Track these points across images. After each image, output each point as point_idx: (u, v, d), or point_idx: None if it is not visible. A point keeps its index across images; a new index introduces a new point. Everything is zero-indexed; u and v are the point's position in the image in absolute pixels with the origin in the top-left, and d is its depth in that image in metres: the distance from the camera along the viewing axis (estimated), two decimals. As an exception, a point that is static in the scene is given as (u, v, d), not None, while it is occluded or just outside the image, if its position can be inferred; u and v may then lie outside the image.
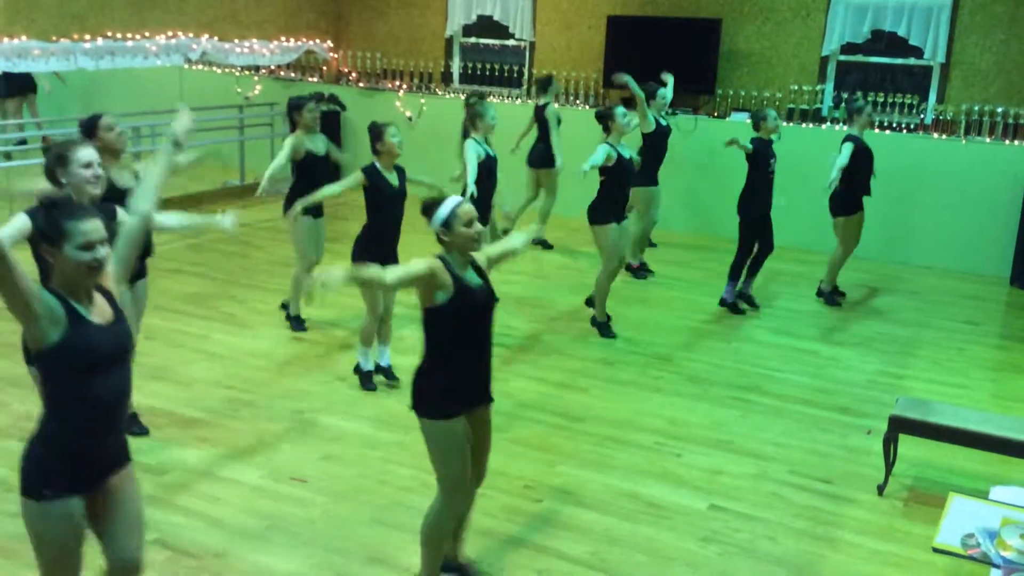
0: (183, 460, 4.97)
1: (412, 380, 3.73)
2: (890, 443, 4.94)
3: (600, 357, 6.72)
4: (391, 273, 3.54)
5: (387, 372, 6.08)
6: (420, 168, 6.95)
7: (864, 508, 4.81)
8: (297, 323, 7.01)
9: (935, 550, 3.21)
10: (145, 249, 4.84)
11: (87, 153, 4.04)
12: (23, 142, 11.11)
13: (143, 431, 5.14)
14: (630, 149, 7.10)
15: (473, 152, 6.73)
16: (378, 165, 5.82)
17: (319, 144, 6.87)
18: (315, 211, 6.77)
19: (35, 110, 12.69)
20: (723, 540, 4.44)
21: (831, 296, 8.26)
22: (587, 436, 5.49)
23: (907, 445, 5.18)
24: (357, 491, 4.74)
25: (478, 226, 3.68)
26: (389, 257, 5.75)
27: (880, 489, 4.94)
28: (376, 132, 5.81)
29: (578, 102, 11.24)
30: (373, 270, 3.55)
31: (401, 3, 12.34)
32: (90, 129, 4.82)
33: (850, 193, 7.89)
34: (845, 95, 10.23)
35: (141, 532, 3.16)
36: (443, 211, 3.68)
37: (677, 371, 6.53)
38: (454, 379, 3.66)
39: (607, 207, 6.88)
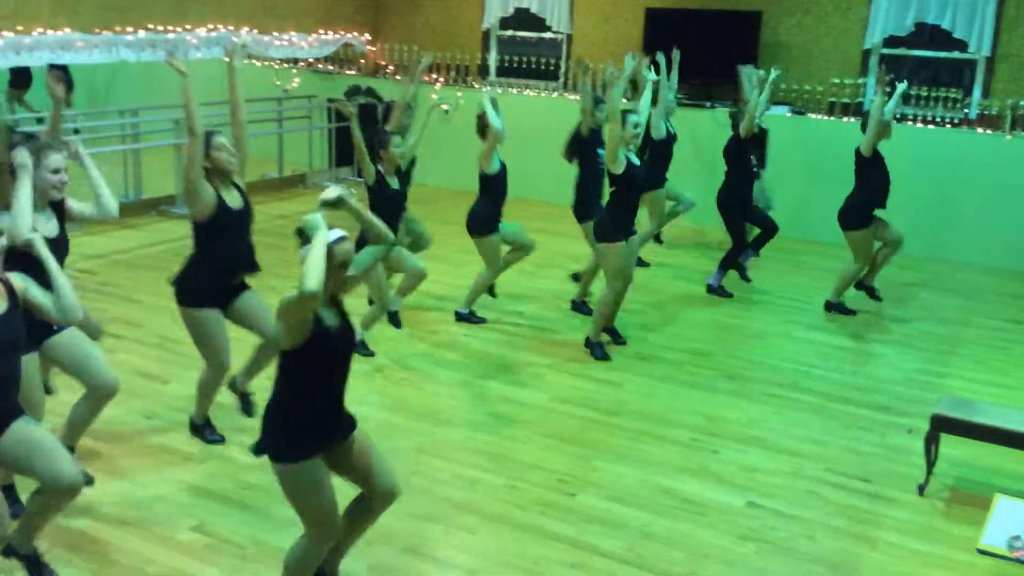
0: (220, 450, 5.01)
1: (262, 420, 3.47)
2: (931, 442, 4.86)
3: (635, 352, 6.69)
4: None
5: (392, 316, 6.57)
6: (455, 162, 6.99)
7: (904, 508, 4.74)
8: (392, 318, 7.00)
9: (980, 551, 3.16)
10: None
11: (57, 160, 4.13)
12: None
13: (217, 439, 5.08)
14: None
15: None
16: (380, 170, 6.17)
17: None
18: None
19: (28, 105, 12.77)
20: (760, 538, 4.40)
21: (841, 307, 7.75)
22: (622, 431, 5.46)
23: (949, 444, 5.10)
24: (392, 482, 4.75)
25: (351, 270, 3.46)
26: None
27: (921, 489, 4.87)
28: (381, 140, 6.23)
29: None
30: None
31: (439, -4, 12.35)
32: (205, 148, 4.67)
33: (861, 206, 7.45)
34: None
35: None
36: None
37: (714, 367, 6.48)
38: (309, 422, 3.38)
39: (617, 221, 6.31)
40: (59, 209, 4.27)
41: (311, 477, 3.37)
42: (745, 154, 7.91)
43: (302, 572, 3.55)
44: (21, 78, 12.76)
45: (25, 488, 4.03)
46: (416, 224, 7.22)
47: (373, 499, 3.64)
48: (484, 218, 6.81)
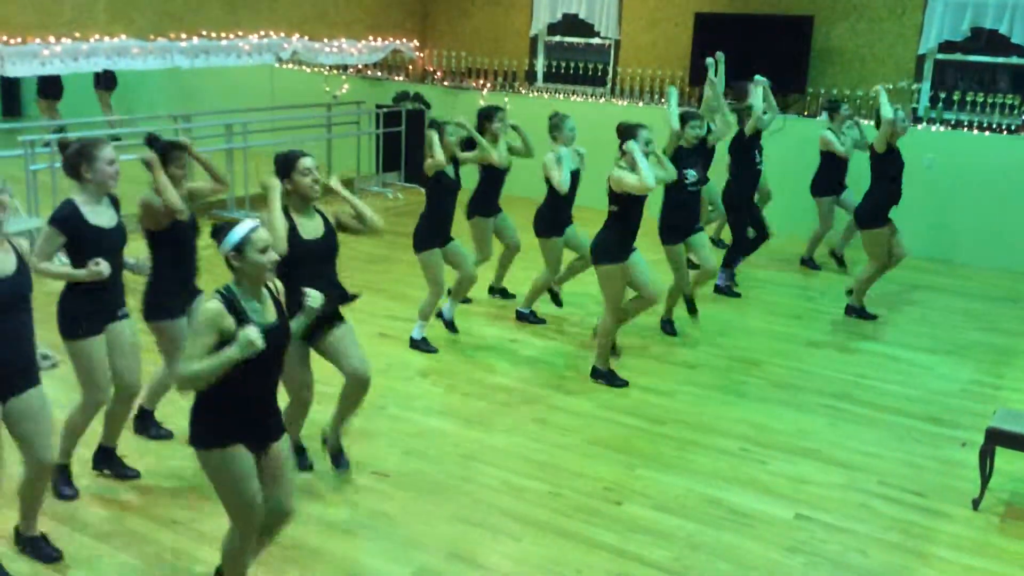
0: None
1: (191, 408, 3.45)
2: (987, 456, 4.75)
3: (683, 360, 6.63)
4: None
5: (449, 324, 6.93)
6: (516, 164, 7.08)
7: (958, 523, 4.63)
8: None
9: (1038, 570, 3.07)
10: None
11: (110, 152, 4.30)
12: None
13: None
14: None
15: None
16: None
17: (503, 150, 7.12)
18: (491, 208, 7.21)
19: (56, 115, 13.00)
20: (809, 551, 4.33)
21: (862, 312, 7.67)
22: (669, 439, 5.42)
23: (1004, 458, 4.98)
24: (438, 487, 4.76)
25: (273, 255, 3.37)
26: (447, 239, 6.55)
27: (975, 503, 4.76)
28: (437, 129, 6.41)
29: (663, 101, 11.11)
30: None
31: (486, 1, 12.38)
32: (286, 168, 4.37)
33: (876, 204, 7.35)
34: (943, 94, 9.88)
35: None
36: (235, 235, 3.33)
37: (763, 376, 6.40)
38: (232, 411, 3.35)
39: (618, 242, 5.86)
40: (115, 200, 4.45)
41: (229, 466, 3.37)
42: (749, 152, 7.96)
43: (234, 563, 3.60)
44: (53, 87, 13.01)
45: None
46: (508, 228, 7.32)
47: (269, 514, 3.56)
48: (549, 221, 6.82)
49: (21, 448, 3.80)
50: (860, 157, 8.27)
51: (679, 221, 6.78)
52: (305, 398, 4.65)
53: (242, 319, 3.27)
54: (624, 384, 6.10)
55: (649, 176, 5.61)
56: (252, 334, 3.16)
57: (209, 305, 3.28)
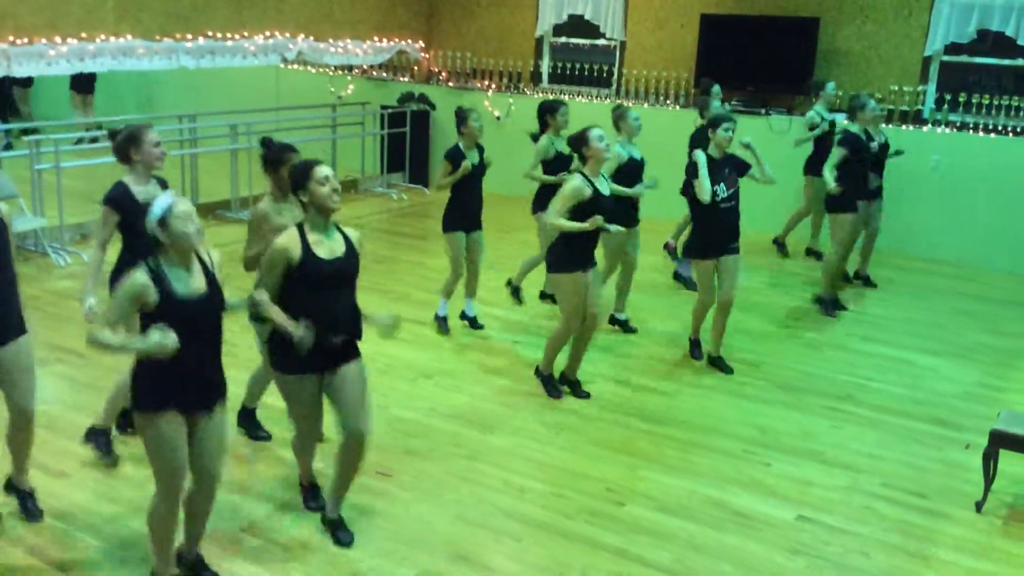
0: (273, 451, 5.07)
1: (131, 370, 3.62)
2: (990, 458, 4.75)
3: (687, 361, 6.63)
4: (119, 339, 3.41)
5: (472, 321, 7.08)
6: (506, 168, 7.01)
7: (961, 525, 4.63)
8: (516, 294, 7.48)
9: (1040, 573, 3.07)
10: None
11: (156, 135, 4.68)
12: (93, 140, 11.50)
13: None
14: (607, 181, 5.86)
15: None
16: (461, 145, 6.64)
17: (563, 145, 7.05)
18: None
19: (91, 111, 13.13)
20: (812, 553, 4.33)
21: (829, 305, 7.73)
22: (672, 441, 5.42)
23: (1008, 461, 4.96)
24: (440, 487, 4.77)
25: (198, 222, 3.47)
26: (474, 225, 6.76)
27: (978, 506, 4.75)
28: (461, 116, 6.69)
29: (668, 103, 11.12)
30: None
31: (492, 2, 12.38)
32: (301, 179, 3.95)
33: (843, 190, 7.41)
34: (948, 96, 9.87)
35: None
36: (158, 208, 3.43)
37: (766, 378, 6.40)
38: (167, 377, 3.46)
39: (573, 252, 5.57)
40: (163, 182, 4.79)
41: (159, 432, 3.51)
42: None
43: (157, 528, 3.68)
44: (85, 83, 13.08)
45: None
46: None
47: (198, 477, 3.70)
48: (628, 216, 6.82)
49: (5, 396, 4.15)
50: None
51: (709, 238, 6.26)
52: (309, 444, 4.39)
53: (164, 289, 3.40)
54: (558, 396, 5.85)
55: (706, 192, 5.96)
56: (162, 338, 3.32)
57: (134, 276, 3.42)
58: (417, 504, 4.60)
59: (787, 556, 4.29)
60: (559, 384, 5.97)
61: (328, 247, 3.92)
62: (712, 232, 6.23)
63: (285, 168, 4.52)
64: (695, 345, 6.68)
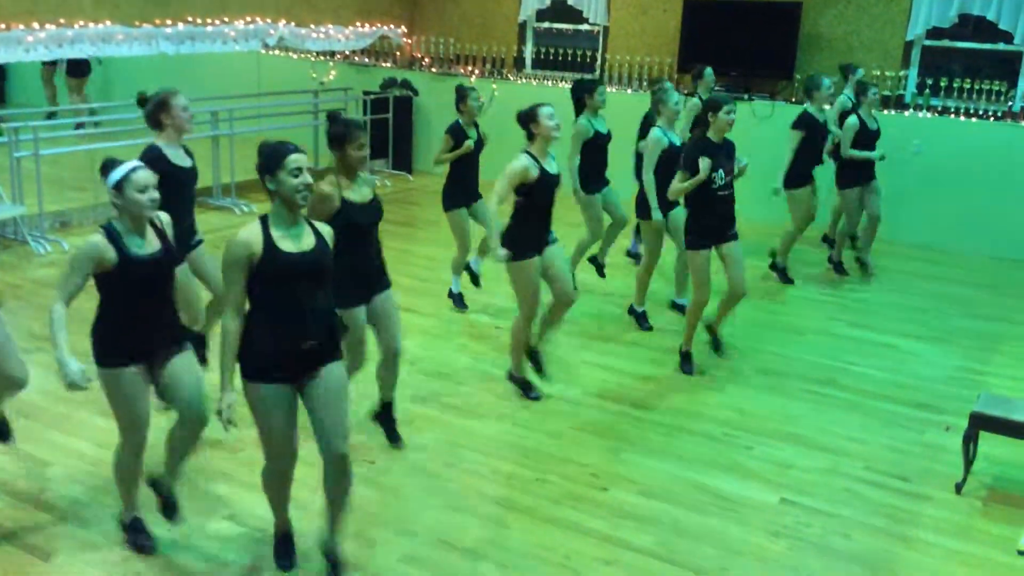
0: (255, 438, 5.05)
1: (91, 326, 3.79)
2: (970, 440, 4.79)
3: (669, 346, 6.64)
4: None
5: (475, 277, 7.35)
6: (487, 153, 6.99)
7: (942, 506, 4.67)
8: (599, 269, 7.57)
9: (1021, 553, 3.09)
10: None
11: (184, 99, 5.01)
12: (81, 125, 11.42)
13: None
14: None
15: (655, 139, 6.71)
16: (461, 122, 6.88)
17: (602, 124, 7.18)
18: (599, 183, 7.23)
19: (83, 96, 13.06)
20: (794, 535, 4.36)
21: (783, 273, 8.24)
22: (655, 425, 5.44)
23: (988, 443, 5.02)
24: (424, 473, 4.77)
25: (154, 193, 3.68)
26: (474, 198, 6.91)
27: (959, 487, 4.80)
28: (461, 94, 6.93)
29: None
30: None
31: (475, -12, 12.34)
32: (268, 165, 3.58)
33: (795, 166, 7.88)
34: (930, 80, 9.90)
35: None
36: (117, 173, 3.66)
37: (748, 362, 6.42)
38: (122, 333, 3.71)
39: (526, 237, 5.37)
40: (188, 150, 5.14)
41: (122, 386, 3.72)
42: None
43: (122, 475, 3.95)
44: (78, 66, 12.99)
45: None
46: (613, 203, 7.36)
47: (179, 419, 3.90)
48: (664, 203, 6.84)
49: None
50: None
51: (705, 225, 5.92)
52: (280, 474, 3.90)
53: (121, 251, 3.63)
54: (537, 398, 5.66)
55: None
56: (80, 378, 3.56)
57: (91, 238, 3.63)
58: (401, 490, 4.60)
59: (769, 538, 4.32)
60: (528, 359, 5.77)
61: (295, 242, 3.54)
62: (709, 219, 5.89)
63: (352, 146, 4.43)
64: (686, 358, 6.23)
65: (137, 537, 4.02)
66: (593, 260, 7.61)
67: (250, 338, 3.54)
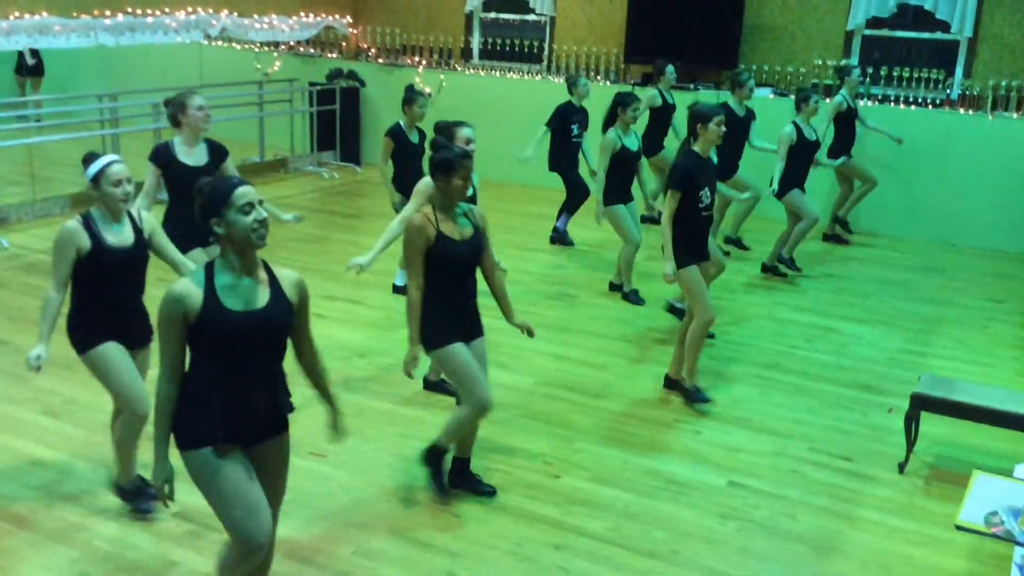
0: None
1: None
2: (912, 421, 4.90)
3: (620, 334, 6.70)
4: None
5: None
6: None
7: (885, 486, 4.77)
8: (635, 297, 7.40)
9: (958, 527, 3.18)
10: None
11: (200, 100, 5.25)
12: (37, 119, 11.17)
13: None
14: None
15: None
16: (402, 124, 6.94)
17: (633, 141, 7.24)
18: (624, 197, 7.29)
19: (38, 91, 12.84)
20: (742, 517, 4.43)
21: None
22: (606, 413, 5.48)
23: (929, 423, 5.14)
24: (376, 466, 4.76)
25: (127, 187, 3.87)
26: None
27: (901, 467, 4.91)
28: (409, 96, 6.97)
29: (599, 78, 11.16)
30: None
31: (421, -22, 12.27)
32: (211, 207, 3.04)
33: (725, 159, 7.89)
34: (871, 69, 10.07)
35: None
36: (94, 167, 3.87)
37: (697, 348, 6.49)
38: (95, 319, 3.94)
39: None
40: (212, 145, 5.33)
41: (105, 360, 3.94)
42: (567, 122, 8.49)
43: (125, 447, 4.13)
44: (29, 67, 12.76)
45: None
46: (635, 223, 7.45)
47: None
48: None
49: None
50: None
51: (693, 244, 5.46)
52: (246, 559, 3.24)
53: (96, 238, 3.85)
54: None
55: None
56: (28, 355, 3.82)
57: (66, 224, 3.87)
58: (352, 483, 4.59)
59: (718, 521, 4.38)
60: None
61: (244, 297, 3.00)
62: (697, 238, 5.46)
63: (458, 176, 4.08)
64: (693, 394, 5.60)
65: (140, 502, 4.19)
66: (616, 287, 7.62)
67: (188, 402, 3.04)
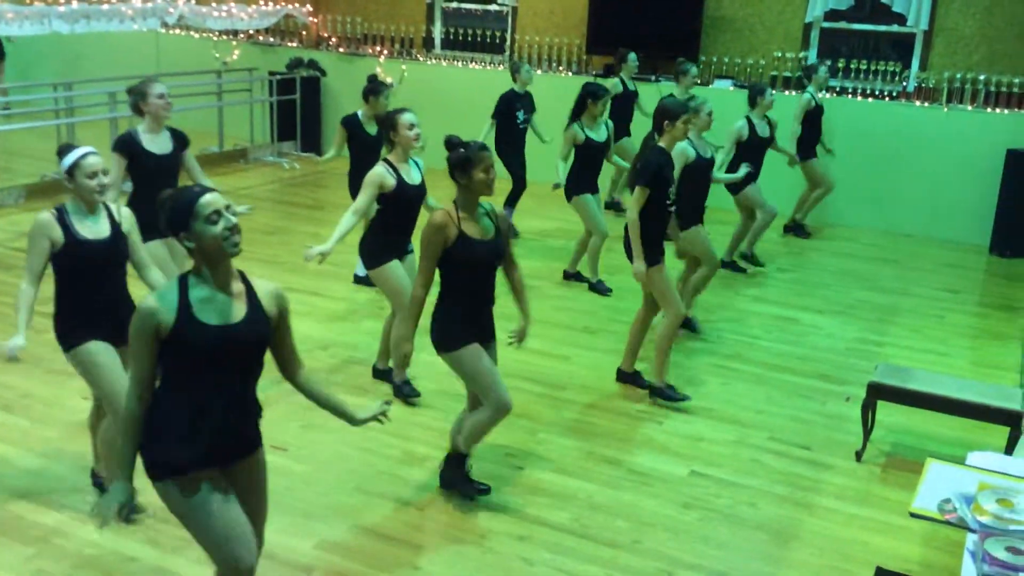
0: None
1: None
2: (868, 409, 4.98)
3: (583, 326, 6.72)
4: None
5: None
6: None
7: (842, 474, 4.85)
8: (602, 286, 7.46)
9: (912, 515, 3.24)
10: None
11: (161, 88, 5.20)
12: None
13: None
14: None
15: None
16: (360, 115, 6.94)
17: (601, 132, 7.24)
18: (591, 187, 7.32)
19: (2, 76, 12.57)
20: (703, 506, 4.48)
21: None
22: (569, 404, 5.50)
23: (885, 412, 5.23)
24: (338, 459, 4.74)
25: (103, 179, 3.84)
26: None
27: (858, 455, 4.99)
28: (373, 88, 6.95)
29: (561, 69, 11.16)
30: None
31: (382, -33, 12.17)
32: (177, 219, 2.88)
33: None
34: (828, 62, 10.18)
35: None
36: (69, 159, 3.82)
37: (659, 339, 6.53)
38: (78, 314, 3.87)
39: (387, 244, 5.24)
40: (175, 133, 5.30)
41: (91, 357, 3.85)
42: (511, 109, 8.49)
43: (112, 446, 3.83)
44: None
45: None
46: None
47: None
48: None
49: None
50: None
51: (656, 240, 5.45)
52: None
53: (69, 232, 3.79)
54: (416, 395, 5.43)
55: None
56: (12, 349, 3.70)
57: (39, 215, 3.81)
58: (314, 476, 4.56)
59: (680, 510, 4.43)
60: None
61: (219, 308, 2.86)
62: (659, 234, 5.46)
63: (479, 169, 4.01)
64: (664, 392, 5.57)
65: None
66: (575, 276, 7.68)
67: (158, 426, 2.89)
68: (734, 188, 7.80)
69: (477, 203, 4.10)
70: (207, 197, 2.82)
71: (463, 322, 4.16)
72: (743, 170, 7.04)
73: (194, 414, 2.86)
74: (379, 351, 5.70)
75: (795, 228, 9.53)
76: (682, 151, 6.12)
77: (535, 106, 8.69)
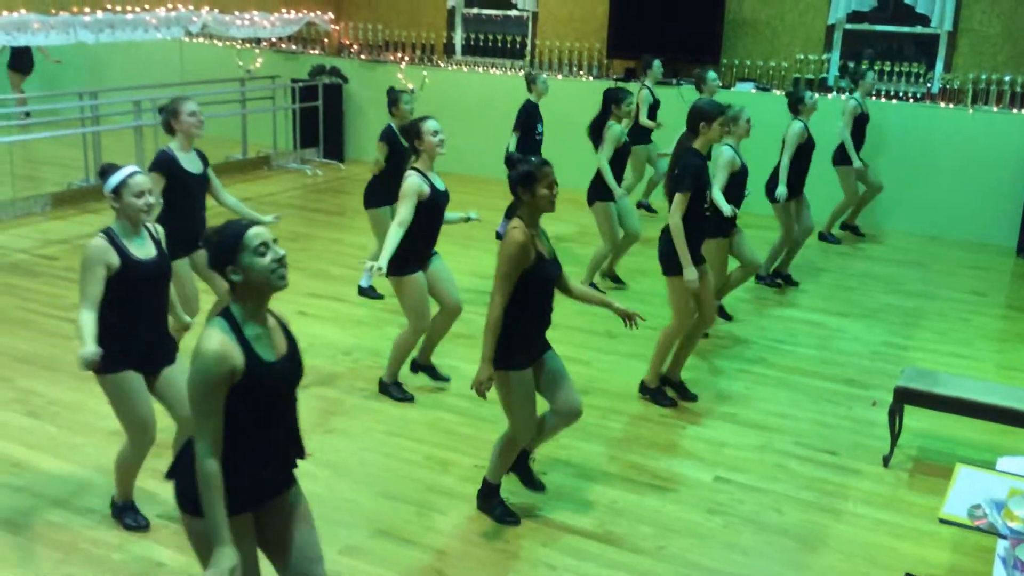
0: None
1: None
2: (895, 414, 4.93)
3: (604, 330, 6.70)
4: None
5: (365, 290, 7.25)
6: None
7: (869, 479, 4.80)
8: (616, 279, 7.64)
9: (942, 521, 3.20)
10: None
11: (193, 105, 5.22)
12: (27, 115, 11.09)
13: None
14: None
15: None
16: (393, 126, 6.84)
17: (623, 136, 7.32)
18: (607, 195, 7.20)
19: (21, 88, 12.74)
20: (728, 512, 4.45)
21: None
22: (591, 409, 5.46)
23: (912, 416, 5.17)
24: (362, 464, 4.75)
25: (150, 198, 3.79)
26: (396, 199, 6.42)
27: (885, 460, 4.94)
28: (392, 97, 6.91)
29: (581, 73, 11.15)
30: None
31: (403, -27, 12.22)
32: (224, 254, 2.81)
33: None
34: (852, 64, 10.12)
35: None
36: (115, 178, 3.76)
37: (682, 343, 6.51)
38: (123, 339, 3.78)
39: (411, 252, 5.14)
40: (201, 154, 5.31)
41: (123, 387, 3.82)
42: (533, 121, 8.23)
43: (124, 473, 4.05)
44: (22, 61, 12.61)
45: None
46: (629, 214, 7.42)
47: (179, 426, 4.06)
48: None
49: None
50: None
51: (695, 247, 5.30)
52: None
53: (122, 252, 3.73)
54: (410, 399, 5.47)
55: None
56: (93, 356, 3.60)
57: (93, 242, 3.73)
58: (338, 482, 4.57)
59: (705, 516, 4.40)
60: (414, 370, 5.68)
61: (269, 343, 2.82)
62: (696, 241, 5.32)
63: (543, 184, 3.90)
64: (659, 393, 5.61)
65: (133, 517, 4.12)
66: (610, 275, 7.72)
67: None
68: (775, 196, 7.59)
69: (539, 218, 4.00)
70: (255, 229, 2.76)
71: (523, 344, 4.05)
72: (728, 210, 6.22)
73: (244, 459, 2.75)
74: (420, 345, 5.60)
75: (850, 228, 9.55)
76: (730, 159, 6.15)
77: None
